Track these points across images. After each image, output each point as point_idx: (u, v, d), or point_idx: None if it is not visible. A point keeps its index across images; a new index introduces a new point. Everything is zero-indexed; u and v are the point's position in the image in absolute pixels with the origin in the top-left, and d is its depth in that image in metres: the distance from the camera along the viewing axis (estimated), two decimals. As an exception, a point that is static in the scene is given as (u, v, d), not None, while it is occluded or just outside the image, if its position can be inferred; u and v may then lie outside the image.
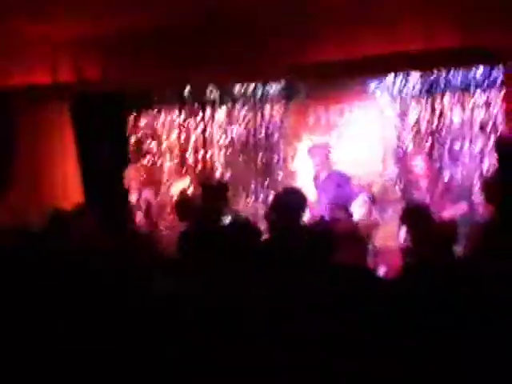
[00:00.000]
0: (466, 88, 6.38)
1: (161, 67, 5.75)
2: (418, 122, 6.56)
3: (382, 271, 4.29)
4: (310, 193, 5.89)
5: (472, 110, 6.39)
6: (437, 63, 5.78)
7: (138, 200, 5.73)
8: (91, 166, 6.87)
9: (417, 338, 2.27)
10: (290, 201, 3.88)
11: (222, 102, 7.21)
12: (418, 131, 6.56)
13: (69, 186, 6.83)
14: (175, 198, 5.61)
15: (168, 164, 7.32)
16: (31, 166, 6.74)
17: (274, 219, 3.78)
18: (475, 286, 2.66)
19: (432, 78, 6.46)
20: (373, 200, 5.59)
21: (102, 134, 7.02)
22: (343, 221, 4.11)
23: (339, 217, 5.10)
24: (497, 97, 6.27)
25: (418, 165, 5.70)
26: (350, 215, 5.10)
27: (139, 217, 5.59)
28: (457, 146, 6.43)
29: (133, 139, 7.40)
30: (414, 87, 6.56)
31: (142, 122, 7.40)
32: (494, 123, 6.30)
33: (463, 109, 6.42)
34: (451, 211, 5.21)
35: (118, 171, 6.22)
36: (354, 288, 2.63)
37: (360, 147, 6.82)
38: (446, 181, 6.11)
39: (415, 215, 4.29)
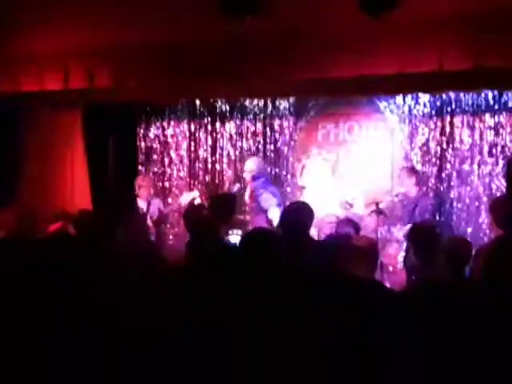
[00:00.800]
0: (475, 110, 6.40)
1: (173, 79, 5.79)
2: (426, 142, 6.58)
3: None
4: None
5: (481, 132, 6.40)
6: (448, 86, 5.81)
7: (148, 208, 5.75)
8: (100, 174, 6.90)
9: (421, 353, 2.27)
10: (298, 215, 3.89)
11: (231, 116, 7.25)
12: (427, 152, 6.57)
13: (77, 195, 6.86)
14: (184, 207, 5.64)
15: (177, 174, 7.35)
16: (40, 174, 6.77)
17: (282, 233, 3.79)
18: (482, 305, 2.66)
19: (442, 99, 6.49)
20: (381, 214, 5.59)
21: (112, 143, 7.06)
22: (356, 236, 4.12)
23: (347, 232, 5.11)
24: (506, 120, 6.29)
25: None
26: (358, 230, 5.09)
27: (148, 224, 5.61)
28: (465, 167, 6.44)
29: (143, 149, 7.44)
30: (423, 108, 6.59)
31: (153, 132, 7.44)
32: (503, 146, 6.32)
33: (472, 131, 6.43)
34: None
35: (128, 180, 6.25)
36: (362, 301, 2.64)
37: (368, 164, 6.85)
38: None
39: (421, 234, 4.33)
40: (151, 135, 7.45)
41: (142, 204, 5.87)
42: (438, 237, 4.15)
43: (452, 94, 6.42)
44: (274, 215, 5.39)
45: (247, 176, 6.07)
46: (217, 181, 7.26)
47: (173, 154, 7.41)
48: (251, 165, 6.12)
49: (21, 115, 6.67)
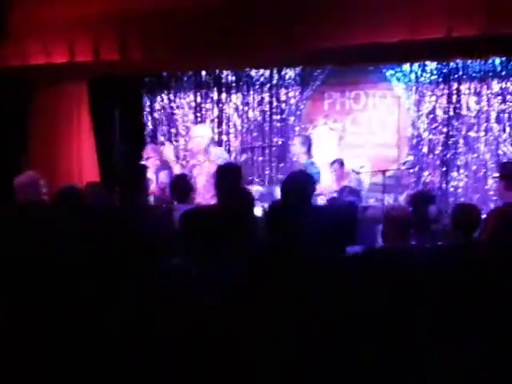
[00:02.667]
0: (483, 77, 6.38)
1: (178, 50, 5.76)
2: (433, 109, 6.57)
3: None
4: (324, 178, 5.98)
5: (488, 99, 6.38)
6: (456, 53, 5.78)
7: (157, 179, 5.77)
8: (107, 146, 6.92)
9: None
10: (300, 182, 3.89)
11: (237, 87, 7.24)
12: (434, 119, 6.57)
13: (84, 167, 6.90)
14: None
15: (183, 146, 7.37)
16: (47, 145, 6.81)
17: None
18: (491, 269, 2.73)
19: (449, 66, 6.46)
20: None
21: (118, 115, 7.06)
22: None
23: (351, 200, 5.17)
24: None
25: None
26: (361, 199, 5.13)
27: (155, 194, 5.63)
28: (472, 134, 6.44)
29: (149, 120, 7.46)
30: (430, 75, 6.56)
31: (159, 103, 7.44)
32: (510, 113, 6.31)
33: (479, 97, 6.42)
34: None
35: (135, 151, 6.27)
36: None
37: (375, 133, 6.86)
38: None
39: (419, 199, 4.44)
40: (157, 107, 7.45)
41: (150, 175, 5.89)
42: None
43: (459, 61, 6.39)
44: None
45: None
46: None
47: (179, 125, 7.42)
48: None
49: (27, 89, 6.67)
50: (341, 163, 6.23)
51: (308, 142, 5.91)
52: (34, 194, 4.05)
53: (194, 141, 5.80)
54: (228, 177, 4.03)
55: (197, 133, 5.89)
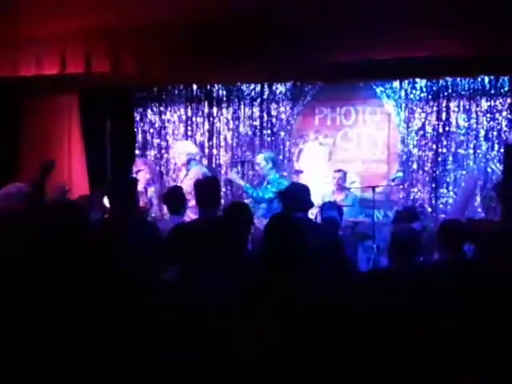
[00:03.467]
0: (472, 95, 6.44)
1: (170, 64, 5.77)
2: (423, 126, 6.62)
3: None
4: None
5: (477, 116, 6.44)
6: (445, 71, 5.83)
7: (145, 191, 5.75)
8: (97, 158, 6.90)
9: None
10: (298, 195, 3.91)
11: (228, 101, 7.27)
12: (424, 135, 6.62)
13: (74, 179, 6.88)
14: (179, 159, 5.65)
15: (173, 160, 7.36)
16: (38, 156, 6.77)
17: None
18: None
19: (438, 83, 6.52)
20: None
21: (109, 127, 7.04)
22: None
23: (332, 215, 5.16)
24: (502, 105, 6.34)
25: None
26: (342, 214, 5.14)
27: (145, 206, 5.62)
28: (461, 151, 6.49)
29: (140, 133, 7.46)
30: (420, 92, 6.62)
31: (150, 116, 7.45)
32: (499, 130, 6.37)
33: (468, 115, 6.47)
34: None
35: (125, 164, 6.26)
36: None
37: (365, 148, 6.89)
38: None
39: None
40: (148, 119, 7.46)
41: (139, 187, 5.87)
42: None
43: (448, 79, 6.45)
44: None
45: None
46: (213, 165, 7.28)
47: (170, 138, 7.43)
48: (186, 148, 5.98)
49: (19, 99, 6.66)
50: (344, 174, 6.29)
51: (271, 157, 5.59)
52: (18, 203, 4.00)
53: (176, 157, 5.81)
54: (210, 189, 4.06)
55: (176, 149, 5.92)
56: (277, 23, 5.08)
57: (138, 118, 7.48)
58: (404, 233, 3.37)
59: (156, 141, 7.46)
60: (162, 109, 7.43)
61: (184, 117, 7.39)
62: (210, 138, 7.33)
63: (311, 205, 3.94)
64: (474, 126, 6.45)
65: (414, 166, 6.66)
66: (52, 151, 6.83)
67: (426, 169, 6.63)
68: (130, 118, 7.43)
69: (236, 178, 5.65)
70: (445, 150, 6.54)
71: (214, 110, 7.31)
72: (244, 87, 7.19)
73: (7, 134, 6.58)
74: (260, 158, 5.53)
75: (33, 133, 6.77)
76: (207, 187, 3.95)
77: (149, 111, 7.46)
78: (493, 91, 6.35)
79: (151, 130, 7.47)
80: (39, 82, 6.21)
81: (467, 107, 6.46)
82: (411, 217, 4.68)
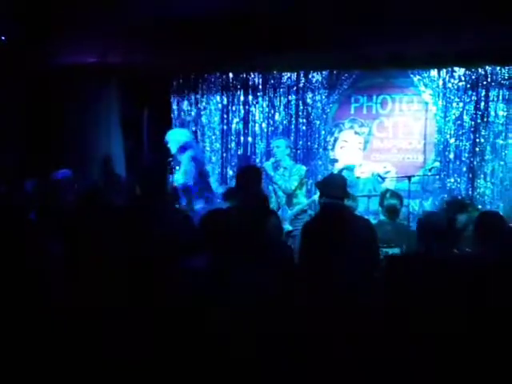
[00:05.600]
0: (511, 84, 6.33)
1: (206, 52, 5.81)
2: (461, 116, 6.54)
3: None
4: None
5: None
6: (484, 59, 5.74)
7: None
8: (135, 145, 7.02)
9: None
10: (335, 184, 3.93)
11: (264, 89, 7.28)
12: (461, 125, 6.54)
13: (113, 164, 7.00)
14: None
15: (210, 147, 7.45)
16: (77, 145, 6.91)
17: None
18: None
19: (477, 72, 6.42)
20: None
21: (146, 117, 7.16)
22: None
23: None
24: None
25: None
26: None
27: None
28: (500, 141, 6.40)
29: (177, 122, 7.53)
30: (458, 81, 6.53)
31: (186, 105, 7.52)
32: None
33: (508, 105, 6.37)
34: None
35: (162, 152, 6.34)
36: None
37: (401, 138, 6.85)
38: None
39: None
40: (185, 108, 7.53)
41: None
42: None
43: (487, 68, 6.35)
44: None
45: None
46: (249, 153, 7.33)
47: (206, 126, 7.49)
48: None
49: (61, 87, 6.78)
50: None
51: (291, 146, 5.79)
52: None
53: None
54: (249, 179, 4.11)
55: (167, 138, 5.92)
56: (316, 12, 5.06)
57: (174, 105, 7.55)
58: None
59: (192, 128, 7.53)
60: (198, 97, 7.49)
61: (220, 105, 7.44)
62: (246, 126, 7.36)
63: (348, 195, 3.99)
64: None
65: (451, 156, 6.60)
66: (92, 138, 6.97)
67: (463, 159, 6.56)
68: (167, 106, 7.51)
69: (269, 168, 5.70)
70: (482, 140, 6.46)
71: (250, 98, 7.34)
72: (280, 75, 7.19)
73: (50, 122, 6.72)
74: (281, 142, 5.71)
75: (73, 120, 6.89)
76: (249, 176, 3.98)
77: (185, 99, 7.52)
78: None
79: (188, 118, 7.54)
80: (78, 70, 6.32)
81: (506, 97, 6.36)
82: (461, 207, 4.60)
